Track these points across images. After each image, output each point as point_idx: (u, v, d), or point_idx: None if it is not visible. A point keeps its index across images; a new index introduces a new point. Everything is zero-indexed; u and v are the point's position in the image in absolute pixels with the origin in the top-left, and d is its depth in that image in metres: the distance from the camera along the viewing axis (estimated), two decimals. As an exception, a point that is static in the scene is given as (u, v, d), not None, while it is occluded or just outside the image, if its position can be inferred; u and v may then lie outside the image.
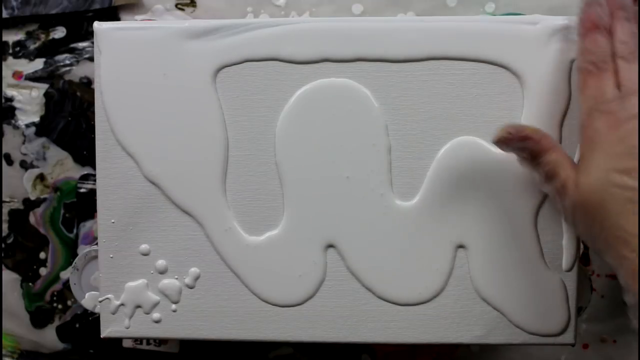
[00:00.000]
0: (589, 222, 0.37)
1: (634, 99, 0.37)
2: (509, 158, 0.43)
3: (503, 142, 0.40)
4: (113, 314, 0.47)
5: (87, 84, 0.57)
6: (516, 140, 0.39)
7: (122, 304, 0.46)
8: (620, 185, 0.36)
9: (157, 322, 0.46)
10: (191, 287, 0.46)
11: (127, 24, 0.47)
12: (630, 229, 0.35)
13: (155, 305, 0.46)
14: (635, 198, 0.35)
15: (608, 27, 0.39)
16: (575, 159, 0.41)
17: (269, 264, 0.45)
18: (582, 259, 0.55)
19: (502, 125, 0.40)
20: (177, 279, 0.46)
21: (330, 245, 0.45)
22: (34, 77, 0.57)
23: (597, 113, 0.38)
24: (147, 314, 0.46)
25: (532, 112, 0.44)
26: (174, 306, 0.46)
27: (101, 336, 0.47)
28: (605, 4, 0.40)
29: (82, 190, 0.58)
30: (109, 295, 0.46)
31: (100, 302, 0.47)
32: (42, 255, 0.59)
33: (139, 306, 0.46)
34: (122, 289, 0.46)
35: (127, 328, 0.47)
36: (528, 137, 0.39)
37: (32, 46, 0.58)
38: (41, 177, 0.58)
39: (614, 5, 0.40)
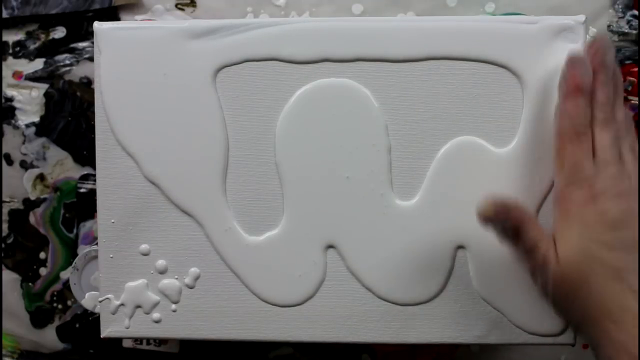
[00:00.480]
0: (571, 296, 0.37)
1: (610, 170, 0.37)
2: (509, 158, 0.43)
3: (488, 219, 0.39)
4: (113, 314, 0.46)
5: (87, 84, 0.57)
6: (501, 217, 0.39)
7: (122, 304, 0.46)
8: (602, 259, 0.36)
9: (157, 322, 0.46)
10: (191, 287, 0.46)
11: (127, 24, 0.47)
12: (614, 303, 0.35)
13: (155, 305, 0.46)
14: (617, 272, 0.35)
15: (590, 90, 0.39)
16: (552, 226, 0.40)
17: (268, 264, 0.45)
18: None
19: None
20: (177, 279, 0.46)
21: (330, 246, 0.45)
22: (34, 77, 0.57)
23: (574, 185, 0.38)
24: (147, 314, 0.46)
25: (532, 112, 0.44)
26: (174, 306, 0.46)
27: (101, 336, 0.47)
28: (589, 64, 0.39)
29: (82, 190, 0.58)
30: (109, 295, 0.46)
31: (100, 302, 0.47)
32: (42, 255, 0.59)
33: (139, 306, 0.46)
34: (122, 289, 0.46)
35: (127, 328, 0.47)
36: (511, 213, 0.38)
37: (32, 46, 0.58)
38: (41, 177, 0.58)
39: (596, 65, 0.39)
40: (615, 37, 0.54)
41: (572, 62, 0.40)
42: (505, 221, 0.38)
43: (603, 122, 0.38)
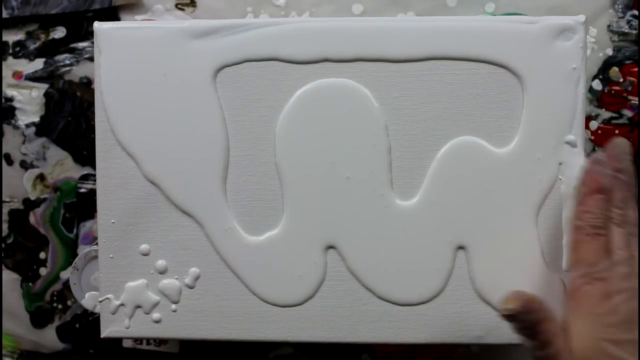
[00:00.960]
0: None
1: (623, 269, 0.38)
2: (509, 158, 0.43)
3: (511, 316, 0.39)
4: (113, 314, 0.46)
5: (87, 84, 0.57)
6: (525, 314, 0.39)
7: (122, 304, 0.46)
8: (612, 357, 0.36)
9: (157, 322, 0.46)
10: (191, 287, 0.46)
11: (127, 24, 0.47)
12: None
13: (155, 305, 0.46)
14: None
15: (609, 189, 0.40)
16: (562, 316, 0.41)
17: (268, 264, 0.45)
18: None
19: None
20: (177, 279, 0.46)
21: (331, 247, 0.45)
22: (34, 77, 0.57)
23: (589, 279, 0.39)
24: (147, 314, 0.46)
25: (532, 112, 0.44)
26: (173, 306, 0.46)
27: (101, 336, 0.47)
28: (608, 164, 0.41)
29: (82, 190, 0.58)
30: (109, 295, 0.46)
31: (100, 302, 0.47)
32: (42, 255, 0.59)
33: (139, 306, 0.46)
34: (122, 289, 0.46)
35: (127, 328, 0.46)
36: (532, 309, 0.39)
37: (32, 46, 0.57)
38: (41, 177, 0.58)
39: (616, 167, 0.41)
40: (616, 37, 0.54)
41: (594, 162, 0.41)
42: (528, 318, 0.39)
43: (619, 222, 0.40)
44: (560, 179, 0.44)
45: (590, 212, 0.40)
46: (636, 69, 0.54)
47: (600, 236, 0.39)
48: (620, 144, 0.41)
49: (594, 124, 0.55)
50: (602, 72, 0.54)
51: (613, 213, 0.40)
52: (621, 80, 0.54)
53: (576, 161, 0.43)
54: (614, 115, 0.55)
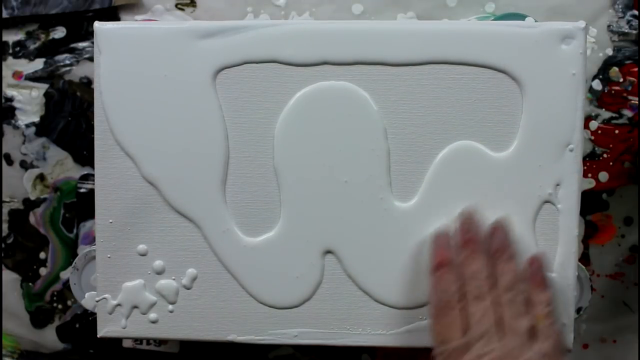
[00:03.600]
0: None
1: (478, 344, 0.37)
2: (507, 163, 0.43)
3: None
4: (110, 313, 0.47)
5: (87, 84, 0.57)
6: None
7: (118, 304, 0.46)
8: None
9: (153, 322, 0.46)
10: (188, 288, 0.46)
11: (127, 24, 0.47)
12: None
13: (152, 305, 0.46)
14: None
15: (459, 262, 0.40)
16: None
17: (266, 266, 0.45)
18: (582, 259, 0.55)
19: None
20: (174, 279, 0.46)
21: (329, 251, 0.45)
22: (34, 77, 0.58)
23: (442, 357, 0.39)
24: (144, 314, 0.46)
25: (531, 117, 0.43)
26: (170, 307, 0.46)
27: (97, 336, 0.47)
28: (458, 236, 0.41)
29: (82, 190, 0.58)
30: (105, 295, 0.46)
31: (97, 301, 0.47)
32: (42, 255, 0.59)
33: (135, 306, 0.46)
34: (119, 289, 0.46)
35: (124, 328, 0.47)
36: None
37: (32, 46, 0.58)
38: (41, 177, 0.58)
39: (465, 238, 0.41)
40: (616, 37, 0.54)
41: (436, 239, 0.42)
42: None
43: (473, 296, 0.39)
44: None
45: (438, 289, 0.40)
46: (636, 69, 0.54)
47: (451, 312, 0.39)
48: (469, 216, 0.42)
49: (594, 124, 0.54)
50: (602, 72, 0.54)
51: (467, 285, 0.39)
52: (621, 80, 0.54)
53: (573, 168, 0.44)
54: (614, 115, 0.54)
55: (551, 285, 0.41)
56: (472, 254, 0.40)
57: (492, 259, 0.40)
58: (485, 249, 0.41)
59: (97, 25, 0.46)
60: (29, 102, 0.58)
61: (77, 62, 0.57)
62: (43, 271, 0.59)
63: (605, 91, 0.54)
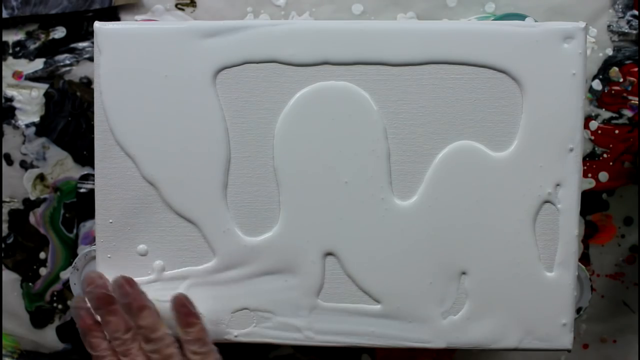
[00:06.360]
0: None
1: None
2: (507, 163, 0.43)
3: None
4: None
5: (87, 84, 0.57)
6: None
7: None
8: None
9: (154, 322, 0.46)
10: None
11: (127, 24, 0.47)
12: None
13: (153, 305, 0.46)
14: None
15: (102, 322, 0.43)
16: None
17: (266, 266, 0.45)
18: (582, 259, 0.55)
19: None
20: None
21: (329, 253, 0.45)
22: (34, 77, 0.57)
23: None
24: (145, 314, 0.46)
25: (531, 117, 0.44)
26: (171, 307, 0.46)
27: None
28: (94, 301, 0.43)
29: (82, 190, 0.58)
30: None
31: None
32: (42, 255, 0.59)
33: (136, 307, 0.46)
34: (120, 289, 0.46)
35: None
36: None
37: (32, 46, 0.57)
38: (41, 177, 0.58)
39: (103, 303, 0.43)
40: (616, 37, 0.54)
41: (74, 306, 0.44)
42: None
43: (122, 352, 0.43)
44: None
45: (93, 355, 0.44)
46: (636, 69, 0.54)
47: None
48: (89, 279, 0.44)
49: (593, 124, 0.54)
50: (602, 72, 0.54)
51: (113, 344, 0.43)
52: (621, 80, 0.54)
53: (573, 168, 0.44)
54: (614, 115, 0.54)
55: (199, 319, 0.44)
56: (109, 312, 0.43)
57: (129, 313, 0.43)
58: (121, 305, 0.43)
59: (97, 25, 0.46)
60: (29, 102, 0.58)
61: (77, 62, 0.57)
62: (43, 271, 0.59)
63: (605, 91, 0.54)
